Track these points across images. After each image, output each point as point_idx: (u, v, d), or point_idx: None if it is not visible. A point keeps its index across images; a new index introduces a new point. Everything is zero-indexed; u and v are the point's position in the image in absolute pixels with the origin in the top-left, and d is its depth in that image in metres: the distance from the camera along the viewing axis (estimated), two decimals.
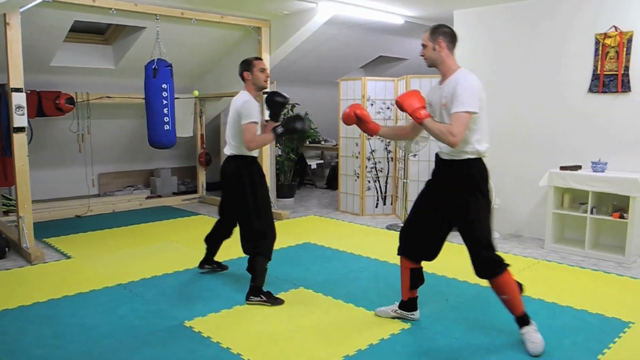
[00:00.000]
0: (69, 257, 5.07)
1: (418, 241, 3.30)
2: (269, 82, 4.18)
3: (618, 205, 5.02)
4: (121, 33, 6.85)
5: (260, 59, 4.09)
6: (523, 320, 3.17)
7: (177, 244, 5.57)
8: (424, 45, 3.21)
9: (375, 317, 3.60)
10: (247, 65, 3.99)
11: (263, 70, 4.00)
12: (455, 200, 3.11)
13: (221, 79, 7.77)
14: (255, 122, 3.87)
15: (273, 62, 7.05)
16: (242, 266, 4.73)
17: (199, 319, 3.58)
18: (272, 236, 3.98)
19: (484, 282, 4.22)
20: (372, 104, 6.87)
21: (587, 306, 3.78)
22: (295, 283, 4.29)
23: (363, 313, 3.69)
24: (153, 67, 5.42)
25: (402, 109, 3.12)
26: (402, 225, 3.43)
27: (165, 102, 5.50)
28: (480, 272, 3.15)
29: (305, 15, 6.41)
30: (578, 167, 5.24)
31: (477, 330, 3.39)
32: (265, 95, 4.15)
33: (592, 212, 5.08)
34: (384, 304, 3.73)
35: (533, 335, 3.11)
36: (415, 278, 3.42)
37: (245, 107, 3.86)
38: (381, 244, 5.54)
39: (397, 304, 3.57)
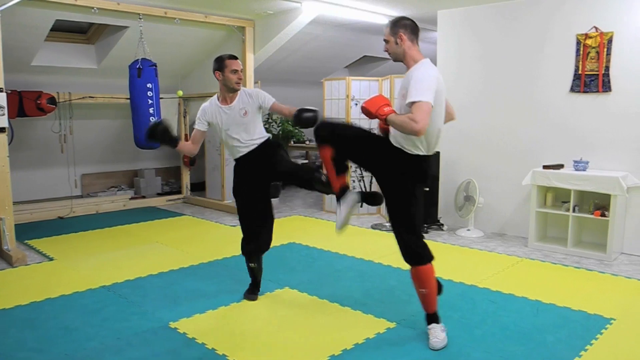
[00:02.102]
0: (51, 259, 5.01)
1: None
2: (241, 84, 3.77)
3: (599, 204, 5.09)
4: (103, 32, 6.79)
5: (234, 57, 3.75)
6: (433, 318, 3.23)
7: (161, 244, 5.53)
8: (386, 41, 3.15)
9: (361, 317, 3.61)
10: (218, 64, 3.71)
11: (235, 71, 3.69)
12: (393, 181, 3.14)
13: (205, 79, 7.73)
14: (194, 128, 3.82)
15: (257, 61, 7.04)
16: (226, 266, 4.73)
17: (184, 320, 3.56)
18: (246, 238, 3.92)
19: (468, 282, 4.27)
20: (356, 104, 6.88)
21: (570, 303, 3.82)
22: (280, 283, 4.29)
23: (348, 312, 3.69)
24: (137, 66, 5.38)
25: (369, 114, 3.06)
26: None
27: (150, 101, 5.47)
28: (405, 256, 3.18)
29: (290, 15, 6.40)
30: (560, 166, 5.30)
31: (462, 329, 3.41)
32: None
33: (574, 211, 5.13)
34: (369, 304, 3.78)
35: (438, 332, 3.18)
36: None
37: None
38: (366, 244, 5.55)
39: None
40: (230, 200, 7.74)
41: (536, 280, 4.38)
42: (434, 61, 6.45)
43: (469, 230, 5.95)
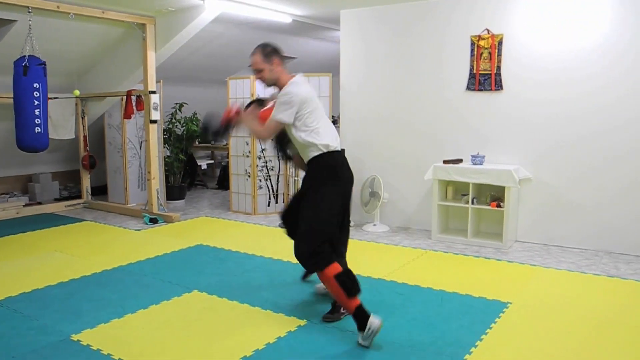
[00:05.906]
0: None
1: None
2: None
3: (495, 195, 5.39)
4: None
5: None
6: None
7: (60, 253, 5.24)
8: (259, 70, 3.35)
9: (272, 316, 3.60)
10: None
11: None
12: None
13: (105, 78, 7.40)
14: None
15: (159, 60, 6.83)
16: (131, 272, 4.56)
17: (87, 331, 3.40)
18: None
19: (375, 275, 4.38)
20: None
21: (471, 291, 4.02)
22: (188, 287, 4.19)
23: (259, 312, 3.67)
24: (23, 64, 5.03)
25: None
26: None
27: (37, 102, 5.10)
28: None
29: (192, 13, 6.26)
30: (459, 161, 5.56)
31: None
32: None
33: (472, 203, 5.40)
34: (279, 302, 3.79)
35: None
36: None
37: None
38: (274, 243, 5.55)
39: None
40: (134, 204, 7.47)
41: (440, 271, 4.57)
42: (337, 59, 6.58)
43: (375, 225, 6.11)
